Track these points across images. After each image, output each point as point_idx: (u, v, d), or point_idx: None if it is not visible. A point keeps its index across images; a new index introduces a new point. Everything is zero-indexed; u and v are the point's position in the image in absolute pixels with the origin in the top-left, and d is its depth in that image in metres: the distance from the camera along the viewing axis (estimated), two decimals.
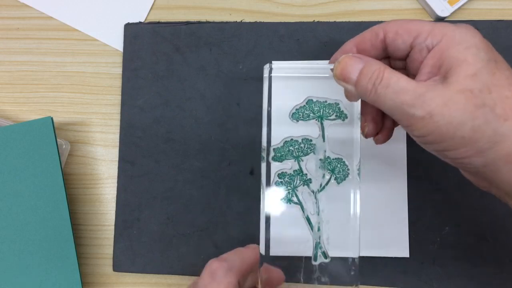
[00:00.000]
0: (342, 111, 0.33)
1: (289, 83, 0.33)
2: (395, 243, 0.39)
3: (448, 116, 0.25)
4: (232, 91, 0.41)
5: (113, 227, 0.41)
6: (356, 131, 0.32)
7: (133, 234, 0.41)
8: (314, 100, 0.33)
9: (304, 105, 0.33)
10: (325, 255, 0.32)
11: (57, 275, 0.37)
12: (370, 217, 0.39)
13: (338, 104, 0.33)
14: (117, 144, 0.42)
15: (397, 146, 0.39)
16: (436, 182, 0.39)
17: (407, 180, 0.39)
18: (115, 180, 0.42)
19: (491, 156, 0.25)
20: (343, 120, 0.32)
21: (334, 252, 0.32)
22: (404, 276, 0.39)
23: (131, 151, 0.42)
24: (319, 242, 0.32)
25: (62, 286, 0.37)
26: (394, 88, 0.26)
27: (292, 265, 0.32)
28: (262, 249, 0.33)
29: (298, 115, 0.33)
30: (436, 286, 0.39)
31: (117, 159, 0.42)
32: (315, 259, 0.32)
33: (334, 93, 0.32)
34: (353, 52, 0.31)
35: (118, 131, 0.42)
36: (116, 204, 0.41)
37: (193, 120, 0.42)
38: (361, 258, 0.38)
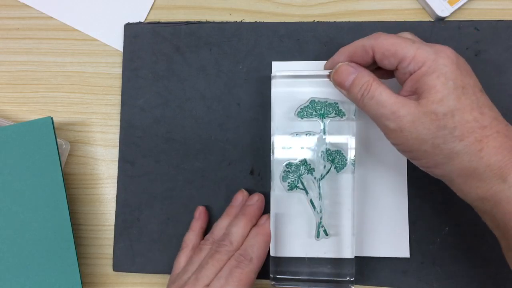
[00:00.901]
0: (341, 109, 0.37)
1: (293, 87, 0.37)
2: (395, 243, 0.39)
3: (415, 132, 0.29)
4: (232, 91, 0.41)
5: (113, 227, 0.41)
6: (352, 127, 0.36)
7: (133, 234, 0.41)
8: (316, 100, 0.37)
9: (308, 105, 0.37)
10: (326, 232, 0.36)
11: (57, 275, 0.37)
12: (370, 217, 0.39)
13: (337, 103, 0.37)
14: (117, 144, 0.42)
15: None
16: (436, 182, 0.39)
17: (407, 180, 0.39)
18: (115, 180, 0.42)
19: (447, 169, 0.30)
20: (342, 117, 0.37)
21: (331, 232, 0.36)
22: (404, 276, 0.39)
23: (131, 151, 0.42)
24: (321, 222, 0.36)
25: (62, 286, 0.37)
26: (377, 100, 0.31)
27: (295, 265, 0.36)
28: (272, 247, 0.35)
29: (302, 113, 0.37)
30: (436, 286, 0.39)
31: (117, 159, 0.42)
32: (318, 236, 0.36)
33: (333, 94, 0.37)
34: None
35: (118, 131, 0.42)
36: (116, 204, 0.41)
37: (193, 120, 0.41)
38: (361, 258, 0.39)
